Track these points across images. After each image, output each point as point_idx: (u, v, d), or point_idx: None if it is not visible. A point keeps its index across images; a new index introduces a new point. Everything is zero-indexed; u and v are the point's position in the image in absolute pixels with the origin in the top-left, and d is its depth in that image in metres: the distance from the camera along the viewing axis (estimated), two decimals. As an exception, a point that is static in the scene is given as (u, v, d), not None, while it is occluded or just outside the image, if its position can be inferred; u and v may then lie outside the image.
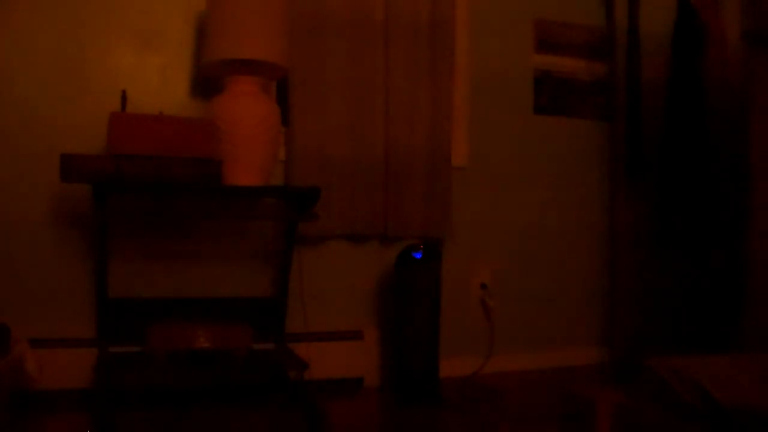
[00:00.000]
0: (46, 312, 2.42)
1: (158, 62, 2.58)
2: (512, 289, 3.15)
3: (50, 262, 2.43)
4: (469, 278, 3.06)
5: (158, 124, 2.13)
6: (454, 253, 3.03)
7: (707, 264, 3.36)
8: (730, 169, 3.25)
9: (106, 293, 2.38)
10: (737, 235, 3.06)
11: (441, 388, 2.66)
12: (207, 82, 2.63)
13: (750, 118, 2.82)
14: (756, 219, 2.78)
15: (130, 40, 2.54)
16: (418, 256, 2.60)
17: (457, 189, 3.04)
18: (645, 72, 3.38)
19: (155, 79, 2.57)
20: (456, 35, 3.03)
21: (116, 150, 2.09)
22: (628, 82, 3.28)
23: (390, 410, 2.46)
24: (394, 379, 2.65)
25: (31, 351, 2.19)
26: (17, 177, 2.40)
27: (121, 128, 2.10)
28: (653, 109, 3.37)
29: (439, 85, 2.91)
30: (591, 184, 3.34)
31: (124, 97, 2.25)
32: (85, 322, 2.46)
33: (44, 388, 2.30)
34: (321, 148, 2.71)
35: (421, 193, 2.86)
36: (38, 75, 2.43)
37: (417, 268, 2.59)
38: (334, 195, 2.73)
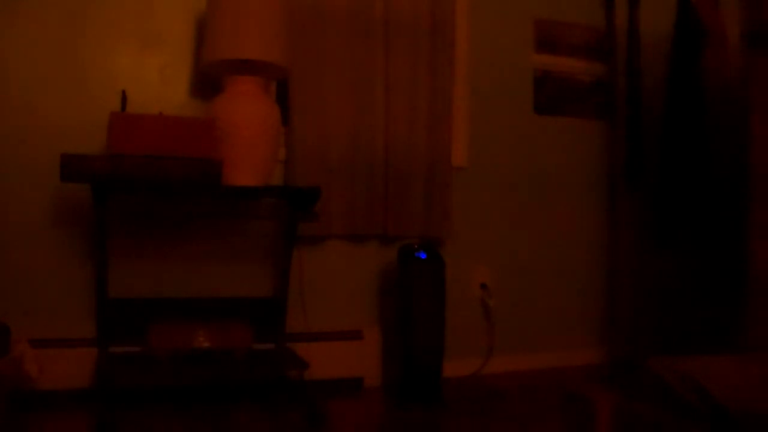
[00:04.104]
0: (46, 312, 2.42)
1: (158, 62, 2.58)
2: (512, 289, 3.15)
3: (50, 263, 2.43)
4: (469, 278, 3.06)
5: (158, 124, 2.13)
6: (454, 253, 3.03)
7: (707, 264, 3.36)
8: (730, 168, 3.26)
9: (106, 293, 2.38)
10: (737, 234, 3.06)
11: (442, 389, 2.66)
12: (207, 82, 2.63)
13: (750, 117, 2.82)
14: (756, 218, 2.78)
15: (130, 40, 2.54)
16: (423, 256, 2.59)
17: (457, 189, 3.04)
18: (645, 72, 3.38)
19: (155, 79, 2.57)
20: (456, 35, 3.04)
21: (116, 150, 2.09)
22: (628, 82, 3.29)
23: (390, 410, 2.46)
24: (398, 379, 2.65)
25: (31, 351, 2.19)
26: (17, 177, 2.40)
27: (121, 128, 2.10)
28: (653, 109, 3.38)
29: (439, 85, 2.91)
30: (591, 184, 3.34)
31: (124, 97, 2.25)
32: (85, 322, 2.46)
33: (44, 388, 2.30)
34: (321, 148, 2.71)
35: (421, 193, 2.86)
36: (38, 75, 2.43)
37: (422, 268, 2.59)
38: (334, 195, 2.73)
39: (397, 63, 2.83)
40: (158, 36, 2.58)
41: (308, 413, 2.30)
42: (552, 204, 3.25)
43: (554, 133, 3.26)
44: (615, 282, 3.33)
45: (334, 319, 2.81)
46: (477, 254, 3.09)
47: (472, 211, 3.08)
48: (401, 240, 2.91)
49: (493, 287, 3.11)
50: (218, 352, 2.33)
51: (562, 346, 3.26)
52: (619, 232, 3.32)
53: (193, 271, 2.60)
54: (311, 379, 2.63)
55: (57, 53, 2.45)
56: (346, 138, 2.75)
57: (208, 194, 2.24)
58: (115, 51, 2.53)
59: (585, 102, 3.33)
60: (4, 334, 2.15)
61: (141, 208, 2.53)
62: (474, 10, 3.10)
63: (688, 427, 1.56)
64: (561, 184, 3.27)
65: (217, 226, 2.64)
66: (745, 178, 2.86)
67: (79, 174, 2.05)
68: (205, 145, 2.18)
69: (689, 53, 3.20)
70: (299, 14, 2.68)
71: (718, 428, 1.51)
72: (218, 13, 2.27)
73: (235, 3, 2.25)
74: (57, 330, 2.42)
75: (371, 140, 2.80)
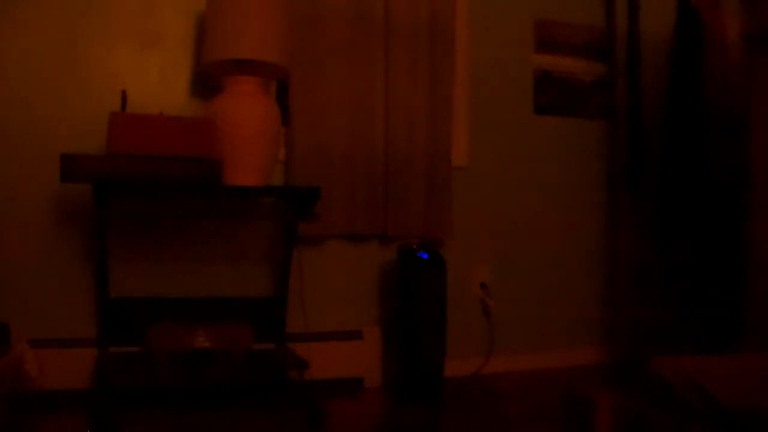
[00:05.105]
0: (46, 312, 2.42)
1: (158, 62, 2.58)
2: (512, 289, 3.15)
3: (50, 262, 2.43)
4: (469, 278, 3.06)
5: (158, 124, 2.13)
6: (454, 253, 3.02)
7: (708, 265, 3.36)
8: (731, 168, 3.25)
9: (107, 293, 2.38)
10: (737, 234, 3.06)
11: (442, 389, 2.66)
12: (207, 82, 2.63)
13: (750, 117, 2.82)
14: (756, 218, 2.78)
15: (130, 40, 2.54)
16: (425, 256, 2.59)
17: (457, 189, 3.04)
18: (645, 72, 3.38)
19: (155, 79, 2.57)
20: (456, 35, 3.03)
21: (116, 150, 2.09)
22: (628, 82, 3.29)
23: (390, 410, 2.46)
24: (398, 379, 2.65)
25: (31, 351, 2.19)
26: (17, 177, 2.40)
27: (121, 128, 2.10)
28: (653, 109, 3.38)
29: (439, 85, 2.91)
30: (591, 183, 3.34)
31: (124, 97, 2.25)
32: (85, 322, 2.46)
33: (44, 388, 2.30)
34: (321, 148, 2.71)
35: (421, 193, 2.86)
36: (38, 75, 2.43)
37: (423, 269, 2.58)
38: (334, 195, 2.73)
39: (397, 63, 2.83)
40: (158, 36, 2.58)
41: (308, 413, 2.30)
42: (552, 204, 3.25)
43: (554, 133, 3.26)
44: (615, 282, 3.33)
45: (334, 319, 2.81)
46: (477, 254, 3.08)
47: (472, 211, 3.08)
48: (401, 240, 2.91)
49: (493, 287, 3.11)
50: (218, 352, 2.33)
51: (562, 346, 3.26)
52: (619, 232, 3.32)
53: (193, 271, 2.60)
54: (311, 379, 2.63)
55: (57, 53, 2.45)
56: (346, 138, 2.75)
57: (208, 194, 2.24)
58: (115, 51, 2.53)
59: (585, 102, 3.33)
60: (4, 334, 2.15)
61: (141, 208, 2.53)
62: (474, 10, 3.10)
63: (688, 427, 1.56)
64: (561, 184, 3.27)
65: (217, 226, 2.64)
66: (745, 177, 2.86)
67: (79, 174, 2.05)
68: (205, 145, 2.18)
69: (689, 53, 3.20)
70: (299, 14, 2.68)
71: (718, 428, 1.51)
72: (218, 13, 2.27)
73: (235, 3, 2.25)
74: (57, 330, 2.42)
75: (371, 140, 2.80)
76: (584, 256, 3.32)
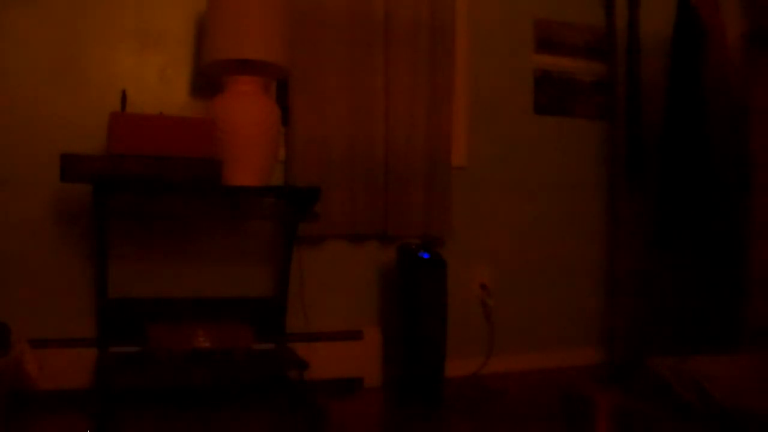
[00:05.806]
0: (46, 312, 2.42)
1: (158, 62, 2.58)
2: (512, 289, 3.15)
3: (50, 262, 2.43)
4: (469, 278, 3.06)
5: (158, 124, 2.14)
6: (454, 253, 3.03)
7: (707, 264, 3.36)
8: (730, 168, 3.26)
9: (106, 293, 2.38)
10: (737, 235, 3.06)
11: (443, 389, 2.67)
12: (207, 82, 2.63)
13: (750, 118, 2.82)
14: (756, 218, 2.78)
15: (130, 40, 2.54)
16: (426, 256, 2.59)
17: (457, 189, 3.04)
18: (645, 72, 3.38)
19: (155, 79, 2.57)
20: (456, 35, 3.04)
21: (116, 150, 2.09)
22: (628, 82, 3.29)
23: (390, 410, 2.46)
24: (399, 379, 2.65)
25: (31, 351, 2.19)
26: (17, 176, 2.40)
27: (121, 128, 2.10)
28: (653, 109, 3.38)
29: (439, 85, 2.91)
30: (591, 184, 3.34)
31: (124, 97, 2.25)
32: (85, 322, 2.46)
33: (44, 388, 2.30)
34: (321, 148, 2.71)
35: (421, 192, 2.86)
36: (38, 75, 2.43)
37: (424, 269, 2.58)
38: (334, 195, 2.73)
39: (397, 62, 2.83)
40: (158, 36, 2.58)
41: (308, 413, 2.30)
42: (552, 204, 3.25)
43: (554, 133, 3.26)
44: (615, 282, 3.33)
45: (334, 319, 2.81)
46: (477, 254, 3.09)
47: (472, 211, 3.08)
48: (401, 240, 2.91)
49: (493, 287, 3.11)
50: (218, 352, 2.33)
51: (562, 346, 3.26)
52: (619, 231, 3.32)
53: (193, 271, 2.60)
54: (311, 379, 2.64)
55: (57, 53, 2.45)
56: (346, 138, 2.75)
57: (208, 194, 2.24)
58: (115, 51, 2.53)
59: (585, 102, 3.33)
60: (4, 334, 2.15)
61: (141, 208, 2.53)
62: (474, 10, 3.10)
63: (688, 427, 1.56)
64: (561, 184, 3.27)
65: (217, 226, 2.64)
66: (745, 177, 2.86)
67: (79, 174, 2.05)
68: (205, 145, 2.18)
69: (689, 53, 3.20)
70: (299, 14, 2.68)
71: (718, 428, 1.51)
72: (218, 13, 2.27)
73: (235, 3, 2.25)
74: (57, 330, 2.42)
75: (371, 140, 2.80)
76: (584, 256, 3.32)
